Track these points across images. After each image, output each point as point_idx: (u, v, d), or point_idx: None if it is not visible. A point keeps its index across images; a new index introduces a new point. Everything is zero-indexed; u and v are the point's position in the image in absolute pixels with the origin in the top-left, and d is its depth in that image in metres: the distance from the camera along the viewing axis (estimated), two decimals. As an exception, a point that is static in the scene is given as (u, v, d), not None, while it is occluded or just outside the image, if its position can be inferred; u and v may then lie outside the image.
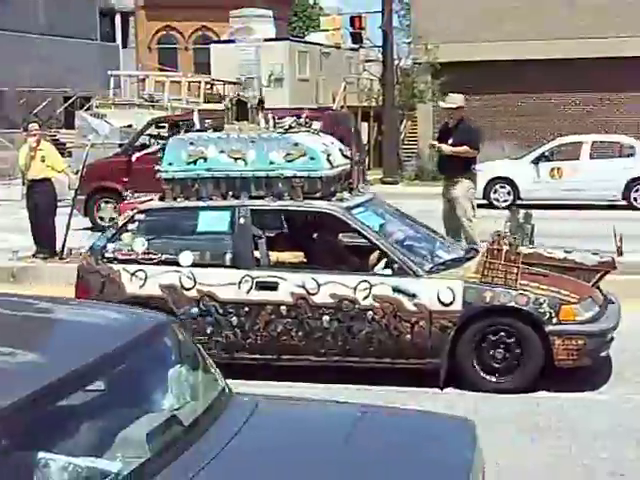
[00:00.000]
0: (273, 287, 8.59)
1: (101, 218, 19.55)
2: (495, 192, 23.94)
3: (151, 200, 9.38)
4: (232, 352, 8.76)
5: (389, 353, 8.45)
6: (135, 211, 9.16)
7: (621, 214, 20.63)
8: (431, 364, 8.41)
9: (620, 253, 8.79)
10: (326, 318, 8.48)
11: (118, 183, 19.25)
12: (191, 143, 9.09)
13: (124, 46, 47.74)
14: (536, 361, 8.23)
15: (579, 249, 9.21)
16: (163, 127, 21.78)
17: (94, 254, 9.14)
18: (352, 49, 38.10)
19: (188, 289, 8.75)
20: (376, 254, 9.23)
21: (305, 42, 38.34)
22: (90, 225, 19.56)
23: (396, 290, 8.36)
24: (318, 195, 8.81)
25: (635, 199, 23.55)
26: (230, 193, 8.91)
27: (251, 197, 8.87)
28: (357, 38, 32.94)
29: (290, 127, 9.12)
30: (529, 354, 8.22)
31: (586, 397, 8.24)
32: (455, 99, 12.74)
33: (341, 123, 19.90)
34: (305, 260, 9.20)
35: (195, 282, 8.74)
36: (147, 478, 3.93)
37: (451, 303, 8.27)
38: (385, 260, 8.72)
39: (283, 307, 8.55)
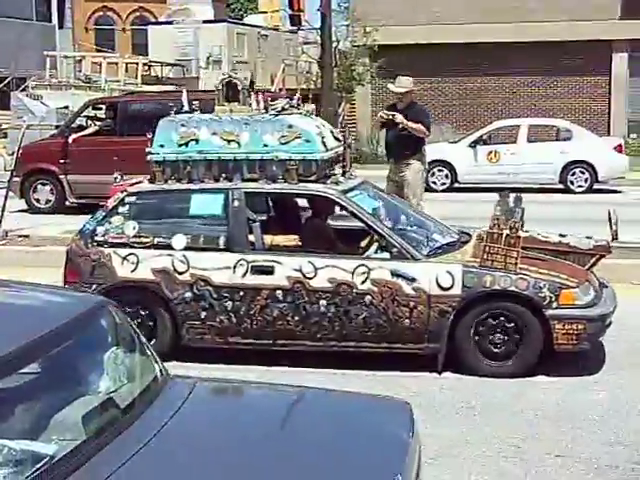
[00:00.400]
0: (269, 271, 8.48)
1: (37, 200, 19.38)
2: (433, 175, 23.92)
3: (140, 182, 9.20)
4: (226, 337, 8.65)
5: (387, 338, 8.39)
6: (125, 193, 8.97)
7: (558, 197, 20.85)
8: (429, 349, 8.38)
9: (615, 237, 8.82)
10: (323, 302, 8.40)
11: (54, 165, 19.13)
12: (182, 125, 8.93)
13: (60, 26, 46.75)
14: (536, 346, 8.23)
15: (573, 233, 9.23)
16: (100, 109, 21.57)
17: (83, 237, 8.94)
18: (291, 31, 37.83)
19: (181, 273, 8.61)
20: (368, 238, 9.22)
21: (243, 24, 38.00)
22: (26, 207, 19.35)
23: (395, 274, 8.31)
24: (313, 178, 8.72)
25: (572, 182, 23.82)
26: (222, 176, 8.78)
27: (244, 180, 8.75)
28: (295, 20, 32.60)
29: (283, 109, 8.99)
30: (529, 339, 8.21)
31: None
32: (405, 82, 12.70)
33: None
34: (300, 243, 9.11)
35: (189, 266, 8.59)
36: (82, 461, 3.90)
37: (450, 287, 8.23)
38: (377, 244, 8.67)
39: (279, 291, 8.45)
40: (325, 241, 9.13)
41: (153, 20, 42.20)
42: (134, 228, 8.77)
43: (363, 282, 8.34)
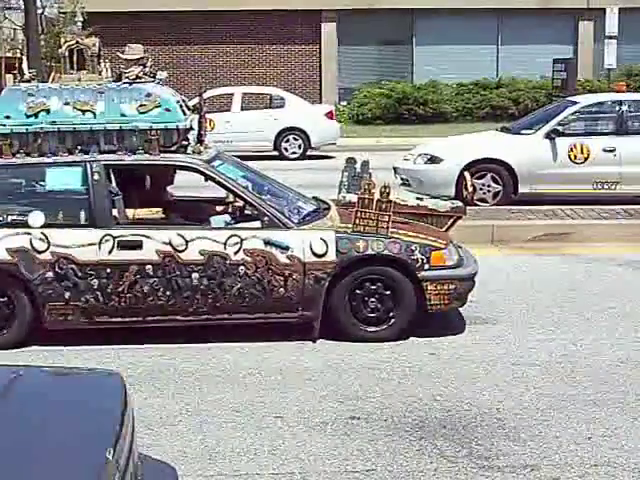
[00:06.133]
0: (137, 246, 8.16)
1: None
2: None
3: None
4: (92, 317, 8.25)
5: (262, 308, 8.29)
6: (-31, 169, 8.33)
7: (273, 164, 21.21)
8: (305, 317, 8.35)
9: (471, 199, 9.04)
10: (195, 275, 8.18)
11: None
12: (29, 94, 8.39)
13: None
14: (410, 308, 8.38)
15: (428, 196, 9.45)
16: None
17: None
18: (-9, -5, 36.14)
19: (41, 252, 8.11)
20: (219, 208, 9.12)
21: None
22: None
23: (268, 243, 8.21)
24: (174, 148, 8.45)
25: (285, 149, 24.45)
26: (78, 148, 8.33)
27: (101, 152, 8.34)
28: (-3, -16, 31.26)
29: (137, 77, 8.63)
30: (403, 301, 8.35)
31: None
32: (136, 49, 12.56)
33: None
34: (164, 216, 8.81)
35: (49, 244, 8.11)
36: None
37: (325, 254, 8.23)
38: (241, 213, 8.56)
39: (149, 266, 8.15)
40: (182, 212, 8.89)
41: None
42: (-16, 206, 8.17)
43: (236, 253, 8.19)
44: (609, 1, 30.72)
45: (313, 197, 9.37)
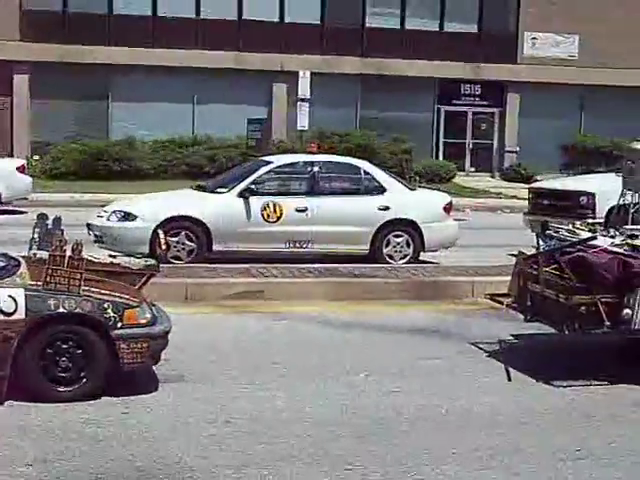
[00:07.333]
0: None
1: None
2: None
3: None
4: None
5: None
6: None
7: None
8: (-9, 377, 8.03)
9: (165, 256, 8.96)
10: None
11: None
12: None
13: None
14: (103, 367, 8.24)
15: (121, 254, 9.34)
16: None
17: None
18: None
19: None
20: None
21: None
22: None
23: (-49, 302, 7.87)
24: None
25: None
26: None
27: None
28: None
29: None
30: (96, 360, 8.19)
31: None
32: None
33: None
34: None
35: None
36: None
37: (14, 312, 7.97)
38: None
39: None
40: None
41: None
42: None
43: None
44: (301, 65, 31.80)
45: (2, 254, 9.07)
